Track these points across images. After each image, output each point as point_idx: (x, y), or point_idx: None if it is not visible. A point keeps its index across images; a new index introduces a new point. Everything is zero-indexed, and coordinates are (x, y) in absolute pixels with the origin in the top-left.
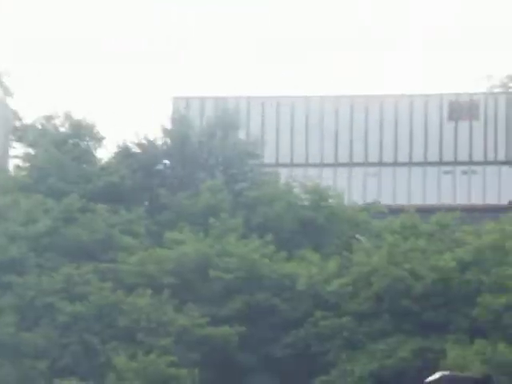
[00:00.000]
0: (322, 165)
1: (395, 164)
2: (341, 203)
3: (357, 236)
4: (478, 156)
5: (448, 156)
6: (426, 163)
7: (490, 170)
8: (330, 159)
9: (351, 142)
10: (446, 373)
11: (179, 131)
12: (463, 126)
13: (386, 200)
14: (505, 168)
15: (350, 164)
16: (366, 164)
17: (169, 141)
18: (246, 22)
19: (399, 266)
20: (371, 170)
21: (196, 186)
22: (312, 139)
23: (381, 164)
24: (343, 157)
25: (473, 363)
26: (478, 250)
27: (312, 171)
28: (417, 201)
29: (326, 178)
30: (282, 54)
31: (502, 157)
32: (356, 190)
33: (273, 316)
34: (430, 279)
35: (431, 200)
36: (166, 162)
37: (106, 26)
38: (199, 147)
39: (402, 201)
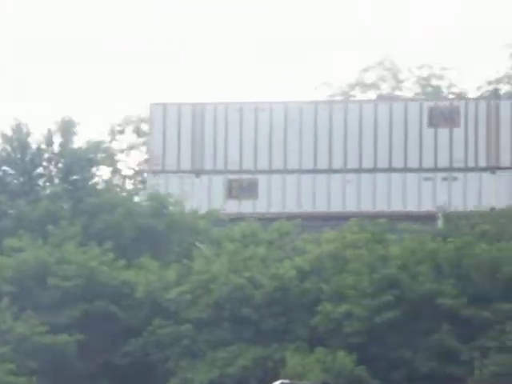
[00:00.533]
0: (300, 171)
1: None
2: (181, 211)
3: (197, 244)
4: (458, 162)
5: (428, 162)
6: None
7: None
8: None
9: (330, 147)
10: (286, 381)
11: (18, 138)
12: (443, 132)
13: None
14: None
15: (329, 171)
16: (344, 170)
17: (8, 147)
18: (245, 22)
19: (239, 274)
20: (350, 176)
21: (36, 192)
22: (290, 145)
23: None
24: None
25: (312, 371)
26: (318, 258)
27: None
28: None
29: (310, 185)
30: (280, 55)
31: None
32: (335, 196)
33: (112, 324)
34: (269, 287)
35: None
36: (6, 168)
37: (106, 26)
38: (38, 154)
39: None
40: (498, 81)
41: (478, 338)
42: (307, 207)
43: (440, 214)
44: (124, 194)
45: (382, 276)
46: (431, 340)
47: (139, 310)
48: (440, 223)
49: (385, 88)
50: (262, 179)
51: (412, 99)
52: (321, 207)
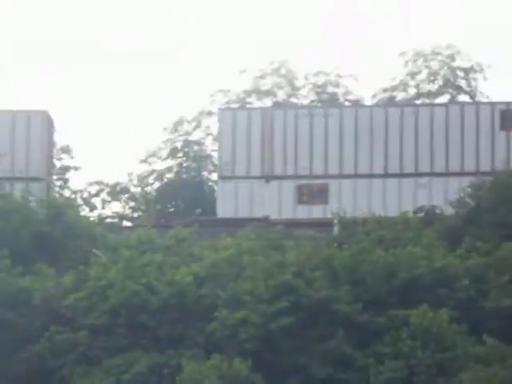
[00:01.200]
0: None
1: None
2: (78, 217)
3: (94, 250)
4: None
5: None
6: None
7: None
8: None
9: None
10: None
11: None
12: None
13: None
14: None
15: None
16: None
17: None
18: (245, 21)
19: (135, 281)
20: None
21: None
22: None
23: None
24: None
25: (209, 378)
26: (214, 264)
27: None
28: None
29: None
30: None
31: None
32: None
33: (8, 331)
34: (166, 294)
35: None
36: None
37: (106, 26)
38: None
39: None
40: (394, 88)
41: (374, 344)
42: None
43: (336, 221)
44: (20, 200)
45: (278, 282)
46: (327, 346)
47: (36, 317)
48: (336, 229)
49: (281, 95)
50: (332, 184)
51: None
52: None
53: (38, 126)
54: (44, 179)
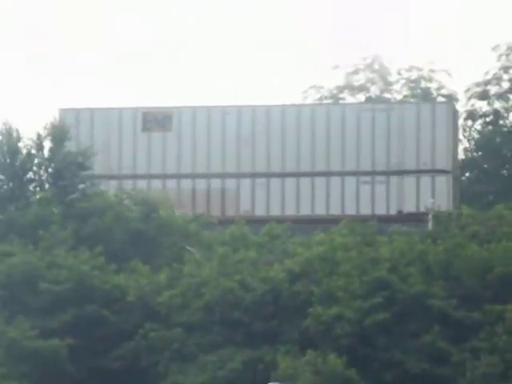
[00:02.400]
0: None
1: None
2: (171, 214)
3: (187, 247)
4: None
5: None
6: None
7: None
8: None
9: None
10: (277, 383)
11: (8, 143)
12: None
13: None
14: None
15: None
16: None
17: None
18: (245, 21)
19: (229, 277)
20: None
21: (26, 198)
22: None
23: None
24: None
25: (303, 374)
26: (308, 260)
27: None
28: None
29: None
30: (278, 55)
31: None
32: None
33: (103, 328)
34: (260, 290)
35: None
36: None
37: (106, 25)
38: (28, 159)
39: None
40: (487, 82)
41: (469, 340)
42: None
43: (430, 216)
44: (114, 198)
45: (372, 278)
46: (422, 341)
47: (130, 314)
48: (430, 225)
49: (374, 90)
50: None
51: None
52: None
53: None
54: (449, 172)
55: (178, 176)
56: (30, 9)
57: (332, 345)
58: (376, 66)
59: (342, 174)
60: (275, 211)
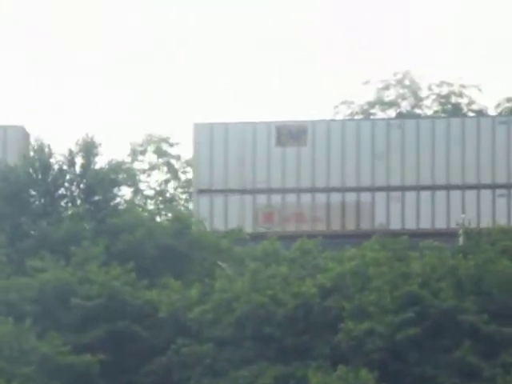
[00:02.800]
0: None
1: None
2: (203, 230)
3: (219, 263)
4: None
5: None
6: None
7: None
8: None
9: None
10: None
11: (40, 159)
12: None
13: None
14: None
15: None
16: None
17: (31, 168)
18: (246, 21)
19: (261, 293)
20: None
21: (58, 213)
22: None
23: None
24: None
25: None
26: (339, 276)
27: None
28: None
29: None
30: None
31: None
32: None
33: (135, 343)
34: (291, 305)
35: None
36: (28, 189)
37: (106, 25)
38: (60, 175)
39: None
40: None
41: (500, 355)
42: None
43: (461, 231)
44: (145, 214)
45: (403, 293)
46: (453, 356)
47: (162, 330)
48: (461, 240)
49: (404, 106)
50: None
51: None
52: None
53: None
54: None
55: (312, 190)
56: (30, 9)
57: (363, 360)
58: (407, 82)
59: (479, 186)
60: (410, 225)
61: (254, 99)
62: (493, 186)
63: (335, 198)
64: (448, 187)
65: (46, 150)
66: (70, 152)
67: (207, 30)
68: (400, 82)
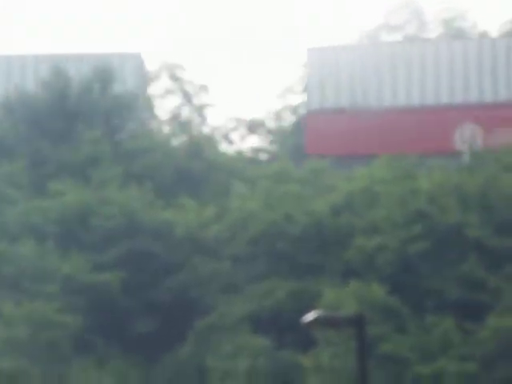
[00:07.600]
0: None
1: None
2: (217, 152)
3: (233, 183)
4: None
5: None
6: None
7: None
8: None
9: None
10: (321, 312)
11: (59, 84)
12: None
13: None
14: None
15: None
16: None
17: (48, 95)
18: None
19: (274, 211)
20: None
21: (77, 138)
22: None
23: None
24: None
25: (348, 303)
26: (349, 194)
27: None
28: None
29: None
30: None
31: None
32: None
33: (153, 262)
34: (303, 223)
35: None
36: (47, 115)
37: (106, 25)
38: (78, 101)
39: None
40: None
41: (505, 267)
42: None
43: (467, 150)
44: (161, 137)
45: (412, 209)
46: (460, 269)
47: (179, 248)
48: (466, 158)
49: (410, 30)
50: None
51: None
52: None
53: None
54: None
55: None
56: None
57: (374, 274)
58: (412, 6)
59: None
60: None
61: None
62: None
63: None
64: None
65: (65, 75)
66: (88, 78)
67: (207, 29)
68: (405, 7)
